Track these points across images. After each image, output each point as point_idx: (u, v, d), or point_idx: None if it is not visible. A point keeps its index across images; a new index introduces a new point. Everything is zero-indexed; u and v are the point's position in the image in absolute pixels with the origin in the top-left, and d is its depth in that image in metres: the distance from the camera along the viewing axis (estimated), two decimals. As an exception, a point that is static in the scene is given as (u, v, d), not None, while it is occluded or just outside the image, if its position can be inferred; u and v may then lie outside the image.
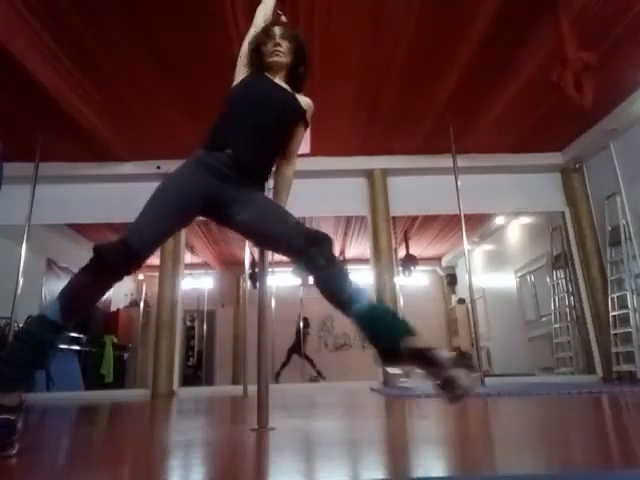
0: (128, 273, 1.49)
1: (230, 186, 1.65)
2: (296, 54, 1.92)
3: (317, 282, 1.51)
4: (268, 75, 1.88)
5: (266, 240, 1.71)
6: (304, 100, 1.92)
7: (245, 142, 1.71)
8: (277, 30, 1.91)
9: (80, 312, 1.49)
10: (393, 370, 1.32)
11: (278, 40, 1.88)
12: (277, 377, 8.39)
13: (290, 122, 1.86)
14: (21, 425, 1.30)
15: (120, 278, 1.49)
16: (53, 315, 1.41)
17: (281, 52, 1.87)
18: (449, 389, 1.24)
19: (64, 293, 1.45)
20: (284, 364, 8.80)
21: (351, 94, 4.61)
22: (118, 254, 1.44)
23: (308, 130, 2.40)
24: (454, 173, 5.12)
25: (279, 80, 1.89)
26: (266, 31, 1.94)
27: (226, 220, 1.70)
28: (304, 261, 1.53)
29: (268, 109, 1.77)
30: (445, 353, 1.27)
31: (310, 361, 9.01)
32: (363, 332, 1.41)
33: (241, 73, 1.94)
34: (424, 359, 1.28)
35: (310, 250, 1.50)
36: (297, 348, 9.05)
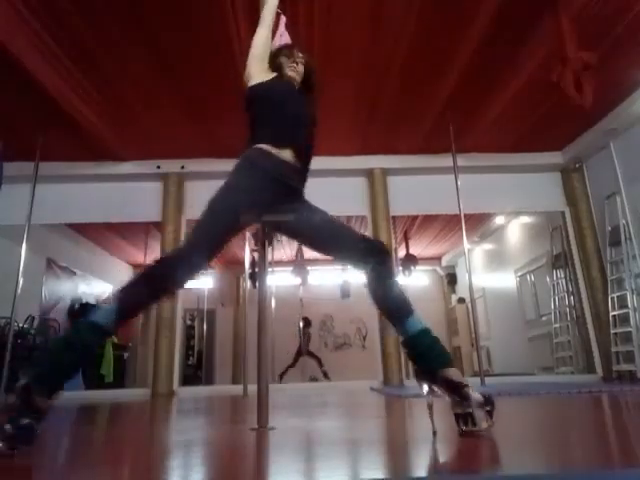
0: (184, 284, 1.55)
1: (292, 196, 1.74)
2: (304, 80, 2.05)
3: (375, 294, 1.60)
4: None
5: (330, 249, 1.75)
6: None
7: (304, 144, 1.80)
8: (299, 53, 2.07)
9: (132, 316, 1.52)
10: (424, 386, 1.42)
11: (297, 60, 2.03)
12: (281, 378, 8.39)
13: None
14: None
15: (176, 290, 1.56)
16: (104, 319, 1.43)
17: (296, 70, 2.01)
18: (464, 423, 1.39)
19: (123, 298, 1.47)
20: (290, 366, 8.80)
21: (351, 93, 4.61)
22: (177, 266, 1.50)
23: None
24: (454, 173, 5.12)
25: None
26: (290, 48, 2.09)
27: (284, 228, 1.78)
28: (368, 273, 1.61)
29: (312, 116, 1.93)
30: (476, 394, 1.40)
31: (318, 360, 8.99)
32: (408, 351, 1.54)
33: (260, 70, 1.98)
34: (455, 390, 1.42)
35: (377, 264, 1.59)
36: (303, 349, 9.04)
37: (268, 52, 2.08)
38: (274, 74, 1.99)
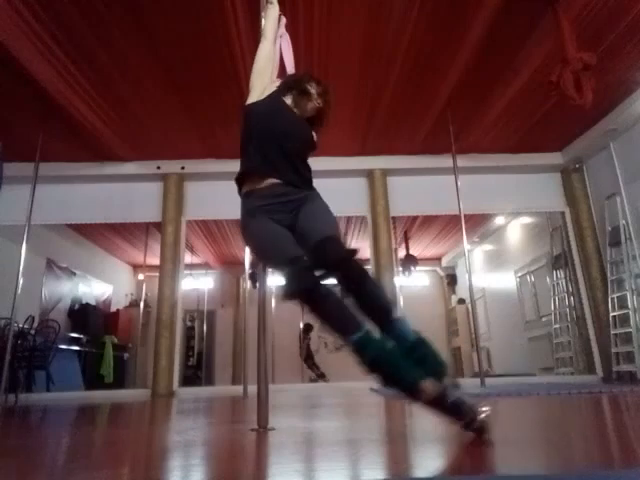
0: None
1: (294, 202, 1.77)
2: (314, 116, 2.02)
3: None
4: (294, 108, 1.96)
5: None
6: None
7: (289, 169, 1.83)
8: (327, 95, 2.01)
9: None
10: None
11: (319, 100, 1.98)
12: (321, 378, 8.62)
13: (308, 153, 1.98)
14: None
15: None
16: None
17: (313, 105, 1.97)
18: (472, 428, 1.33)
19: None
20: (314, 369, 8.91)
21: (351, 94, 4.61)
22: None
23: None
24: (454, 173, 5.12)
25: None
26: (326, 88, 2.00)
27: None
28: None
29: (301, 142, 1.92)
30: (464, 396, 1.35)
31: (313, 367, 9.04)
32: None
33: (261, 84, 2.00)
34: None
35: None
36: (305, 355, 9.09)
37: (271, 65, 2.10)
38: (273, 88, 1.98)
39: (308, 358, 9.06)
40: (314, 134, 2.01)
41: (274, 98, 1.96)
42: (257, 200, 1.78)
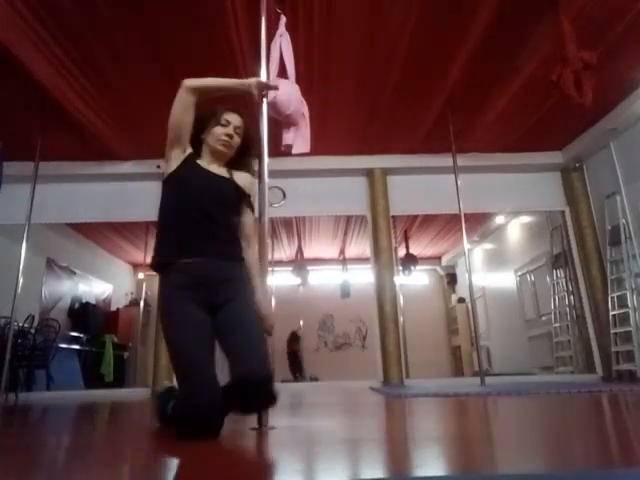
0: None
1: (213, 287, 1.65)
2: (241, 150, 1.84)
3: None
4: (203, 163, 1.78)
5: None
6: (245, 179, 1.82)
7: (203, 249, 1.66)
8: (234, 120, 1.79)
9: None
10: None
11: (232, 132, 1.78)
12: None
13: (234, 209, 1.78)
14: None
15: None
16: None
17: (231, 145, 1.78)
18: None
19: None
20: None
21: (351, 93, 4.61)
22: None
23: (308, 128, 2.40)
24: (454, 172, 5.12)
25: (217, 167, 1.80)
26: (218, 116, 1.79)
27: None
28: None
29: (212, 206, 1.69)
30: None
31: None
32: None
33: (175, 157, 1.79)
34: None
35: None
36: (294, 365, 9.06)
37: (188, 122, 1.87)
38: (187, 154, 1.76)
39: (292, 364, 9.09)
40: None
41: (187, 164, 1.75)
42: (176, 278, 1.61)
